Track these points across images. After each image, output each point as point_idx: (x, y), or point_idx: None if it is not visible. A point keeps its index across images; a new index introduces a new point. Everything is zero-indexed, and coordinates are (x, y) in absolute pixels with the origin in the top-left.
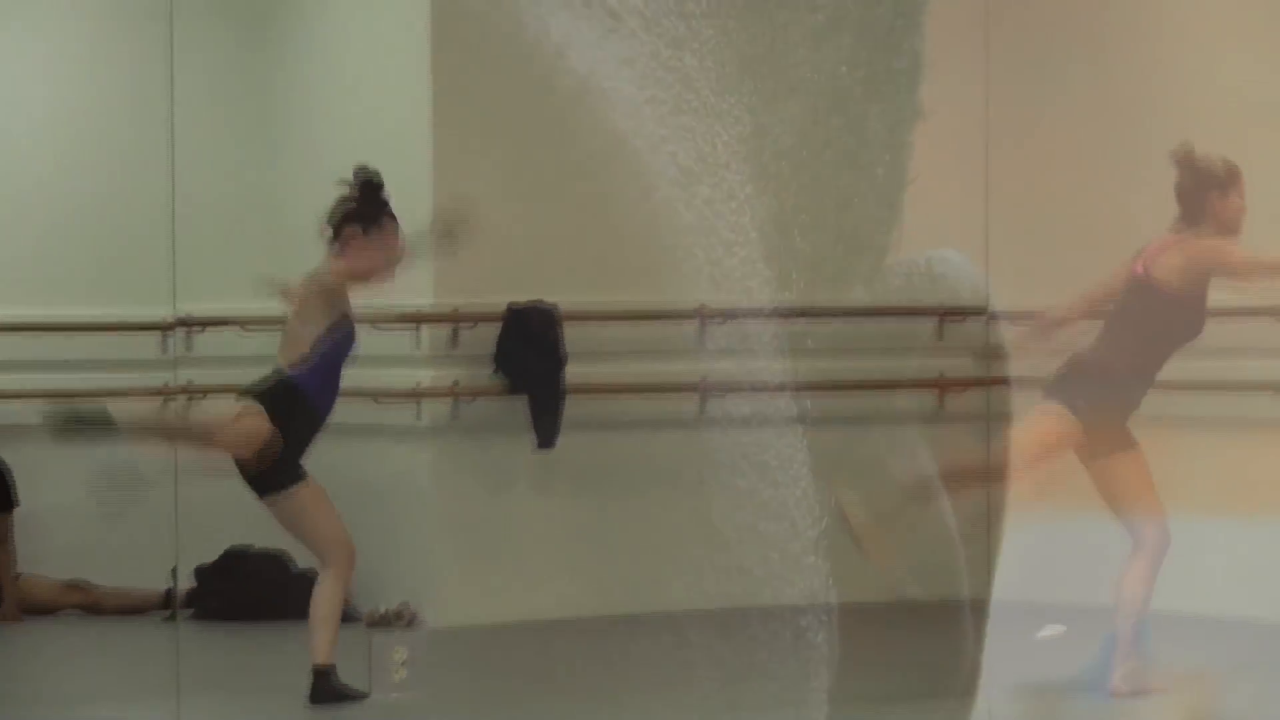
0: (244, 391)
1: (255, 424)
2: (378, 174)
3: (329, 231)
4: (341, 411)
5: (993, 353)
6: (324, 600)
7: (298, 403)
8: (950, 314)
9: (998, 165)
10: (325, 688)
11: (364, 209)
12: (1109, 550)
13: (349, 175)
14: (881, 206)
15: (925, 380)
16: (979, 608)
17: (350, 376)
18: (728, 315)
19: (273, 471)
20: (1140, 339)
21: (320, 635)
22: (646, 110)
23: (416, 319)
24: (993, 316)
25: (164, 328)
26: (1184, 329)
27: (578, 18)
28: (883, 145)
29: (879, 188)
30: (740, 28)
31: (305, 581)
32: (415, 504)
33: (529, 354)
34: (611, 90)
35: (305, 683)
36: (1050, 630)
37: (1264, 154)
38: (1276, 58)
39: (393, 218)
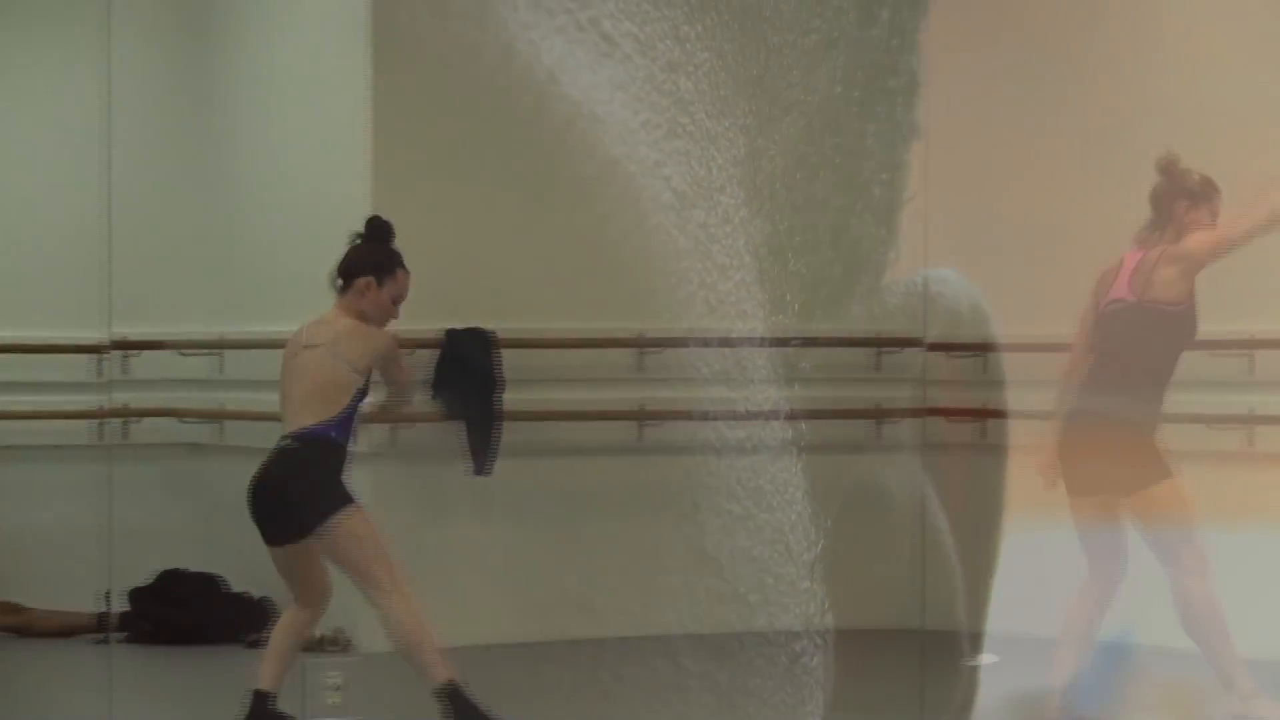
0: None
1: (365, 527)
2: (389, 224)
3: (340, 281)
4: (277, 436)
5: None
6: (410, 624)
7: (344, 456)
8: (888, 344)
9: (991, 188)
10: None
11: (378, 259)
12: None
13: (360, 227)
14: (878, 226)
15: (864, 410)
16: (975, 635)
17: None
18: (666, 343)
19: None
20: (1144, 361)
21: (427, 656)
22: (641, 134)
23: None
24: (930, 347)
25: (99, 350)
26: (1186, 335)
27: (572, 43)
28: (879, 165)
29: (875, 207)
30: (735, 50)
31: (238, 604)
32: None
33: (465, 379)
34: (606, 115)
35: (238, 705)
36: (985, 659)
37: (1245, 165)
38: (1256, 70)
39: (405, 268)
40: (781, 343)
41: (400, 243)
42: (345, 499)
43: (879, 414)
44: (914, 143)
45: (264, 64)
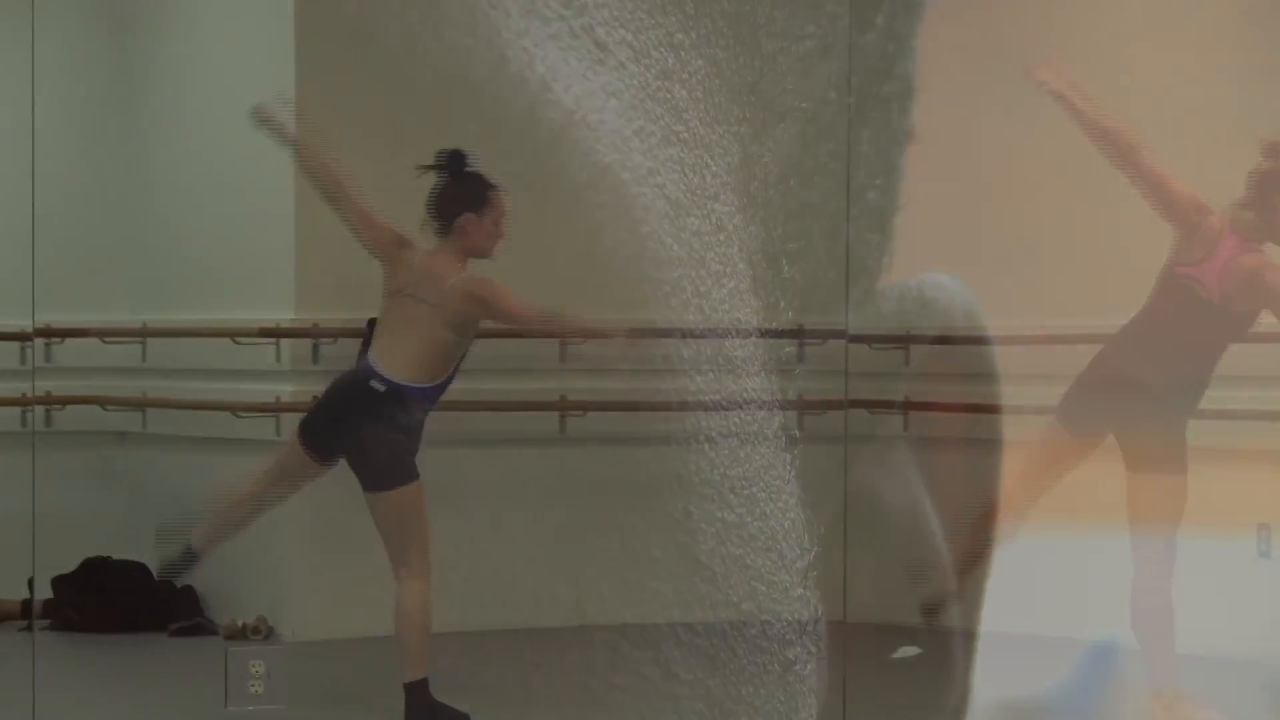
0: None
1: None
2: (463, 152)
3: (436, 222)
4: (201, 424)
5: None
6: (417, 611)
7: (424, 419)
8: (811, 336)
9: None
10: (423, 700)
11: (470, 190)
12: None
13: (431, 160)
14: (873, 231)
15: (787, 401)
16: (969, 635)
17: (210, 390)
18: (590, 334)
19: (389, 469)
20: (1202, 355)
21: (416, 646)
22: (635, 142)
23: (276, 333)
24: (852, 338)
25: (22, 338)
26: (1234, 338)
27: (564, 49)
28: (873, 170)
29: (870, 213)
30: (729, 58)
31: (164, 592)
32: (273, 517)
33: None
34: (599, 122)
35: (162, 691)
36: (905, 651)
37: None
38: (1247, 82)
39: (494, 186)
40: (704, 335)
41: (325, 231)
42: (413, 472)
43: (801, 405)
44: (909, 148)
45: (188, 54)
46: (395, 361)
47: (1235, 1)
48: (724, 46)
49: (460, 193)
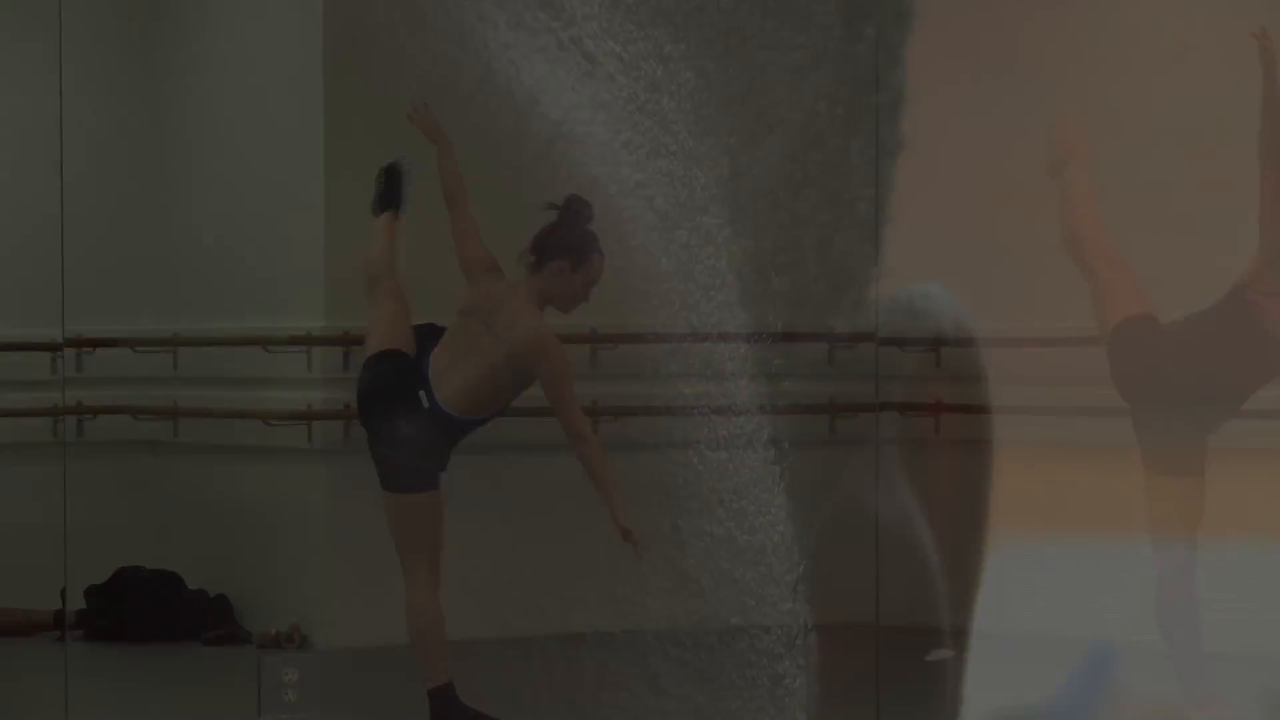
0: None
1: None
2: (589, 204)
3: (532, 257)
4: (232, 433)
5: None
6: (423, 619)
7: (458, 442)
8: (840, 339)
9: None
10: (447, 705)
11: (578, 243)
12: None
13: (557, 199)
14: (863, 242)
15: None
16: (960, 636)
17: (241, 399)
18: (619, 339)
19: (405, 473)
20: (1235, 375)
21: (429, 653)
22: (623, 154)
23: (307, 341)
24: (882, 342)
25: (53, 348)
26: None
27: (552, 61)
28: (864, 180)
29: (860, 223)
30: (719, 69)
31: (197, 601)
32: (306, 525)
33: None
34: (587, 135)
35: (195, 700)
36: (939, 653)
37: (1229, 181)
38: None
39: (601, 251)
40: (735, 339)
41: (355, 239)
42: (431, 482)
43: (833, 409)
44: (899, 157)
45: (217, 62)
46: (448, 384)
47: (1232, 3)
48: (713, 58)
49: (568, 240)
